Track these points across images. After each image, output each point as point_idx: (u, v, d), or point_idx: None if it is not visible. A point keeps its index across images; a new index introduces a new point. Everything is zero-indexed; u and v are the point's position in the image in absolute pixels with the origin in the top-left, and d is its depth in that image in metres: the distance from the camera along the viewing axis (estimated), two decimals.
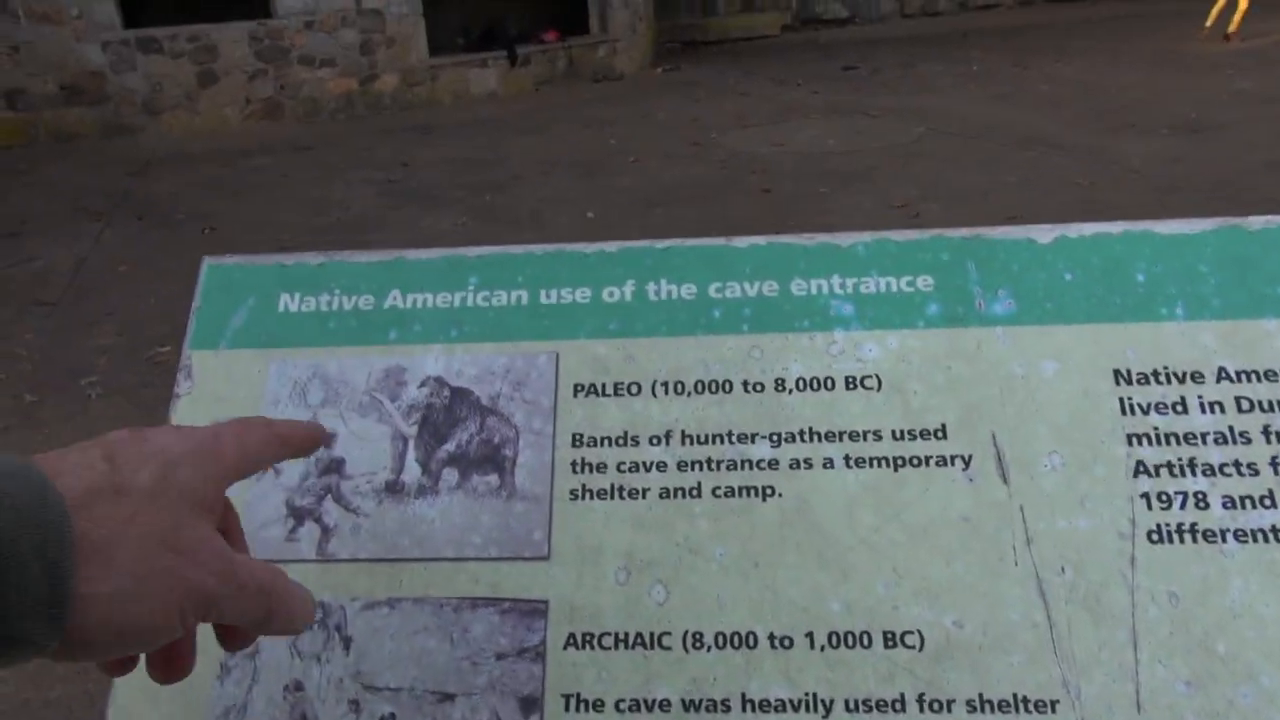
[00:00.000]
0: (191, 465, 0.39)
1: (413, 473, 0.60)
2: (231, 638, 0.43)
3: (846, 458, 0.59)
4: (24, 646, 0.33)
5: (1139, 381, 0.60)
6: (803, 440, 0.60)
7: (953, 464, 0.58)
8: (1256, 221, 0.64)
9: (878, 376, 0.61)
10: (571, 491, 0.59)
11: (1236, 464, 0.57)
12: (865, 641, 0.54)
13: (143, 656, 0.42)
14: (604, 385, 0.62)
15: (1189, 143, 5.44)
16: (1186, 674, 0.52)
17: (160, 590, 0.36)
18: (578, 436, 0.61)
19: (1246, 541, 0.55)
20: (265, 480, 0.60)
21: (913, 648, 0.54)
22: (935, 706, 0.53)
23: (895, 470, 0.58)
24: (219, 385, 0.63)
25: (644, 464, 0.60)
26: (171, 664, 0.42)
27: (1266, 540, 0.55)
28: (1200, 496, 0.56)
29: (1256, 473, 0.57)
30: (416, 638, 0.56)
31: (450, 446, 0.61)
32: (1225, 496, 0.56)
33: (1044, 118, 6.39)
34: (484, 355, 0.63)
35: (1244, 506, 0.56)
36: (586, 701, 0.54)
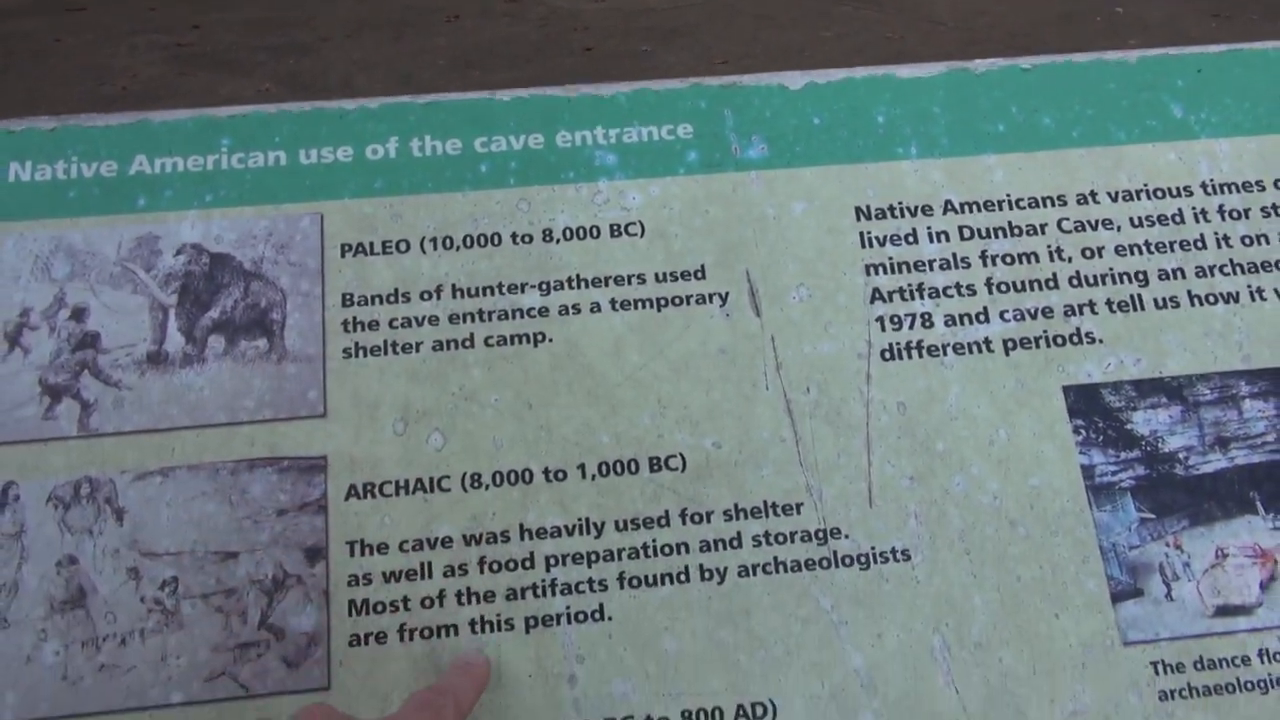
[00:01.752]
0: None
1: (176, 342, 0.59)
2: None
3: (613, 301, 0.62)
4: None
5: (877, 216, 0.65)
6: (571, 287, 0.62)
7: (711, 301, 0.62)
8: (980, 65, 0.69)
9: (641, 223, 0.64)
10: (345, 350, 0.60)
11: (958, 286, 0.63)
12: (633, 468, 0.59)
13: None
14: (372, 244, 0.62)
15: None
16: (910, 470, 0.60)
17: None
18: (348, 296, 0.61)
19: (964, 354, 0.62)
20: (13, 359, 0.58)
21: (676, 469, 0.59)
22: (696, 518, 0.58)
23: (659, 310, 0.62)
24: None
25: (416, 319, 0.61)
26: None
27: (979, 351, 0.62)
28: (926, 317, 0.63)
29: (974, 293, 0.63)
30: (194, 503, 0.56)
31: (214, 313, 0.59)
32: (947, 315, 0.63)
33: None
34: (243, 219, 0.62)
35: (963, 323, 0.63)
36: (370, 546, 0.56)
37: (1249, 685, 0.57)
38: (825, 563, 0.58)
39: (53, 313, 0.58)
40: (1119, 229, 0.65)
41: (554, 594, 0.56)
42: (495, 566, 0.56)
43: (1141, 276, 0.64)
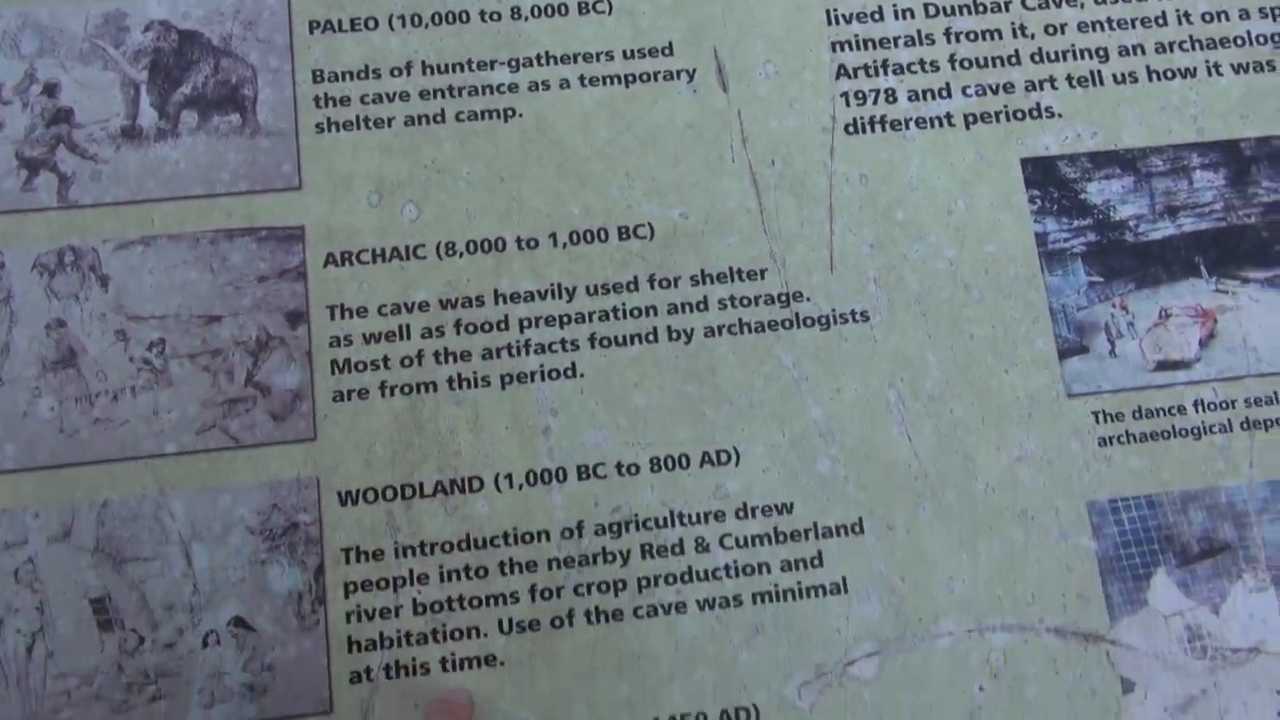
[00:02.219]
0: None
1: (149, 117, 0.59)
2: None
3: (581, 78, 0.63)
4: None
5: None
6: (540, 64, 0.63)
7: (678, 77, 0.63)
8: None
9: (609, 1, 0.64)
10: (317, 125, 0.61)
11: (921, 62, 0.64)
12: (603, 236, 0.60)
13: None
14: (340, 21, 0.62)
15: None
16: (871, 238, 0.62)
17: None
18: (318, 72, 0.61)
19: (925, 128, 0.63)
20: None
21: (644, 238, 0.61)
22: (664, 283, 0.60)
23: (626, 87, 0.63)
24: None
25: (387, 95, 0.61)
26: None
27: (941, 126, 0.64)
28: (890, 93, 0.64)
29: (937, 69, 0.64)
30: (176, 271, 0.58)
31: (185, 89, 0.60)
32: (910, 91, 0.64)
33: None
34: None
35: (925, 99, 0.64)
36: (350, 309, 0.58)
37: (1183, 432, 0.61)
38: (787, 324, 0.60)
39: (24, 88, 0.59)
40: (1082, 6, 0.66)
41: (528, 353, 0.59)
42: (471, 328, 0.59)
43: (1102, 53, 0.65)
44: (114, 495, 0.55)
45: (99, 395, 0.56)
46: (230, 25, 0.61)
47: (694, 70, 0.63)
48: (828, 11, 0.65)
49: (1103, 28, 0.66)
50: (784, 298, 0.60)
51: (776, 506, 0.58)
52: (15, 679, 0.54)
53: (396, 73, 0.62)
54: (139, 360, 0.56)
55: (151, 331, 0.57)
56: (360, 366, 0.58)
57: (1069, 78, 0.65)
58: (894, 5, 0.65)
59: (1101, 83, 0.65)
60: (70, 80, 0.59)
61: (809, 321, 0.60)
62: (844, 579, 0.58)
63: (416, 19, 0.62)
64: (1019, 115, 0.64)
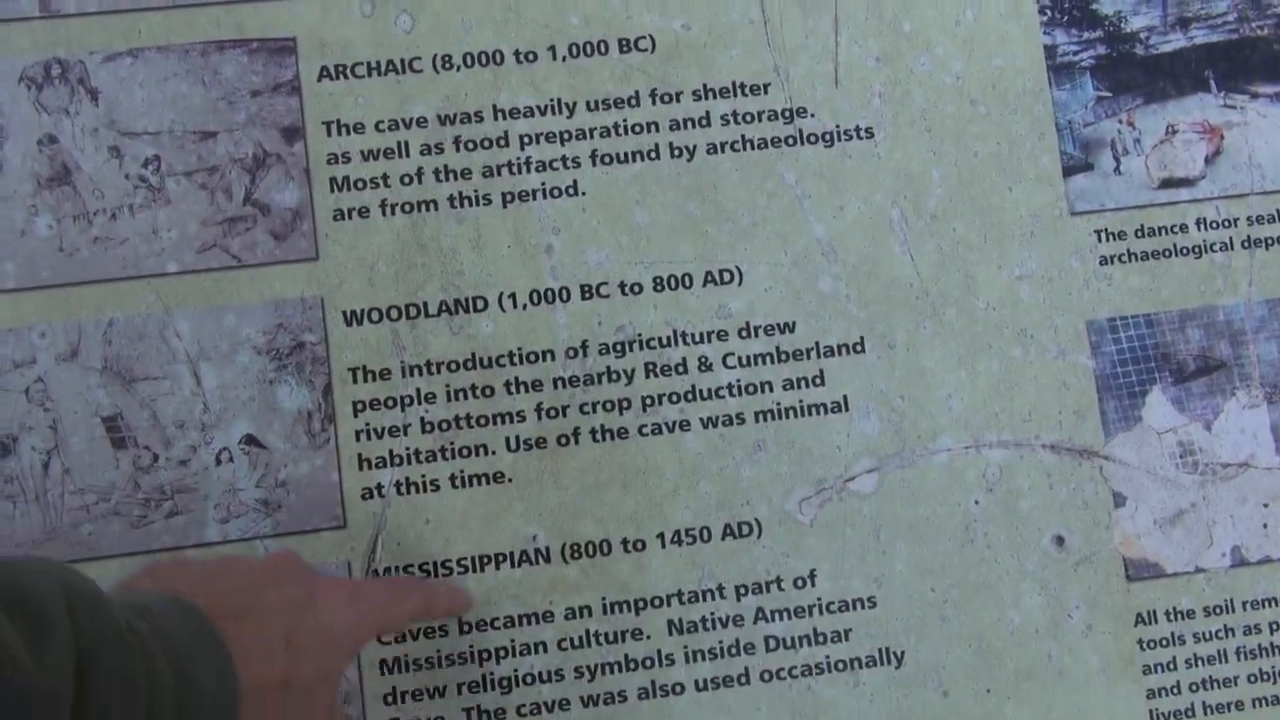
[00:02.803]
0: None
1: None
2: None
3: None
4: None
5: None
6: None
7: None
8: None
9: None
10: None
11: None
12: (603, 49, 0.59)
13: None
14: None
15: None
16: (877, 51, 0.60)
17: None
18: None
19: None
20: None
21: (645, 51, 0.59)
22: (665, 99, 0.59)
23: None
24: None
25: None
26: None
27: None
28: None
29: None
30: (167, 84, 0.56)
31: None
32: None
33: None
34: None
35: None
36: (347, 126, 0.57)
37: (1184, 250, 0.61)
38: (791, 140, 0.59)
39: None
40: None
41: (529, 171, 0.58)
42: (471, 145, 0.58)
43: None
44: (119, 314, 0.55)
45: (97, 213, 0.55)
46: None
47: None
48: None
49: None
50: (787, 114, 0.59)
51: (779, 325, 0.59)
52: (34, 494, 0.55)
53: None
54: (135, 177, 0.56)
55: (146, 148, 0.56)
56: (359, 184, 0.57)
57: None
58: None
59: None
60: None
61: (813, 138, 0.59)
62: (845, 397, 0.59)
63: None
64: None
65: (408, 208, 0.57)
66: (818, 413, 0.59)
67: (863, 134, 0.60)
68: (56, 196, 0.55)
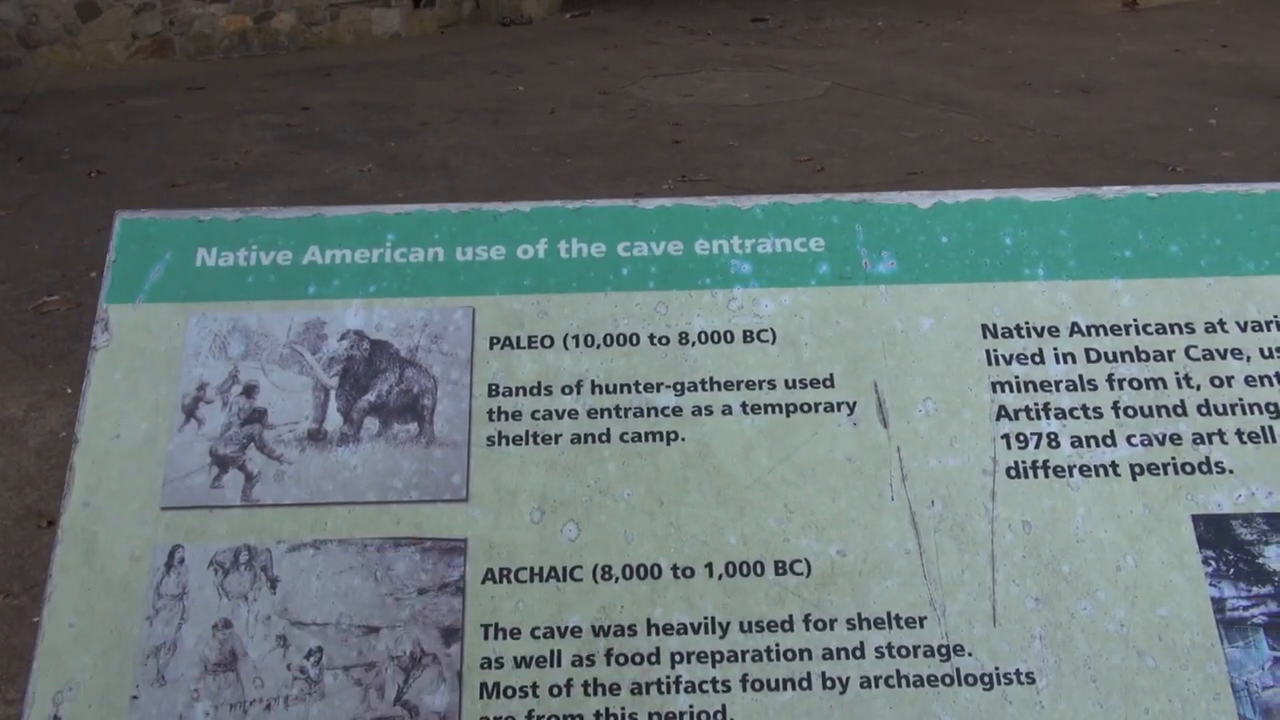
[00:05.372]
0: None
1: (334, 421, 0.63)
2: None
3: (744, 405, 0.64)
4: None
5: (1003, 335, 0.66)
6: (704, 389, 0.65)
7: (839, 410, 0.64)
8: (1108, 191, 0.71)
9: (773, 330, 0.66)
10: (488, 438, 0.63)
11: (1084, 408, 0.64)
12: (759, 570, 0.60)
13: None
14: (518, 338, 0.66)
15: (1079, 103, 5.66)
16: (1036, 591, 0.60)
17: None
18: (494, 386, 0.64)
19: (1090, 476, 0.63)
20: (188, 430, 0.62)
21: (801, 574, 0.60)
22: (820, 625, 0.59)
23: (788, 416, 0.64)
24: (138, 338, 0.64)
25: (556, 412, 0.64)
26: None
27: (1107, 475, 0.63)
28: (1052, 437, 0.64)
29: (1100, 415, 0.64)
30: (342, 576, 0.59)
31: (371, 396, 0.63)
32: (1074, 437, 0.63)
33: (945, 75, 6.54)
34: (402, 309, 0.66)
35: (1089, 445, 0.63)
36: (504, 630, 0.58)
37: None
38: (948, 679, 0.58)
39: (226, 388, 0.63)
40: (1249, 359, 0.66)
41: (678, 691, 0.57)
42: (622, 659, 0.58)
43: (1273, 408, 0.64)
44: None
45: (253, 703, 0.56)
46: (418, 338, 0.65)
47: (854, 403, 0.64)
48: (988, 352, 0.66)
49: (1272, 382, 0.65)
50: (944, 650, 0.58)
51: None
52: None
53: (567, 390, 0.64)
54: (296, 668, 0.57)
55: (312, 639, 0.58)
56: (509, 692, 0.57)
57: (1239, 432, 0.63)
58: (1055, 349, 0.66)
59: (1274, 439, 0.63)
60: (268, 383, 0.63)
61: (971, 679, 0.58)
62: None
63: (589, 339, 0.66)
64: (1188, 469, 0.63)
65: None
66: None
67: (1023, 679, 0.58)
68: (219, 683, 0.57)
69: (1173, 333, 0.66)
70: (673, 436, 0.63)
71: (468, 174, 4.58)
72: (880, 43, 8.03)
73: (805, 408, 0.64)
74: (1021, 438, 0.63)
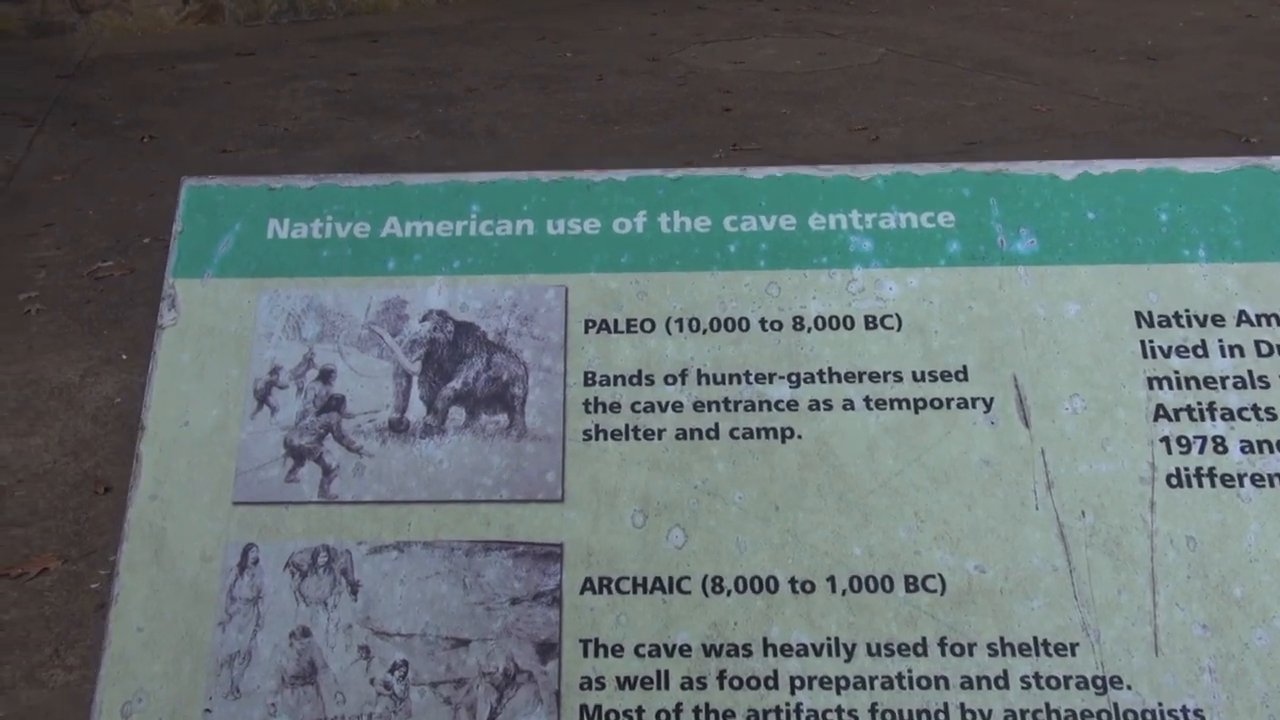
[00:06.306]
0: None
1: (418, 411, 0.57)
2: None
3: (867, 399, 0.58)
4: None
5: (1160, 324, 0.59)
6: (822, 381, 0.58)
7: (974, 406, 0.57)
8: (1278, 161, 0.63)
9: (898, 316, 0.60)
10: (585, 432, 0.57)
11: (1255, 408, 0.57)
12: (887, 585, 0.54)
13: None
14: (616, 321, 0.60)
15: (1145, 70, 5.44)
16: (1203, 617, 0.53)
17: None
18: (590, 374, 0.58)
19: (1264, 486, 0.55)
20: (261, 418, 0.57)
21: (934, 591, 0.54)
22: (957, 650, 0.53)
23: (916, 412, 0.57)
24: (206, 316, 0.59)
25: (659, 404, 0.58)
26: None
27: None
28: (1219, 441, 0.56)
29: (1275, 417, 0.57)
30: (428, 582, 0.54)
31: (456, 384, 0.58)
32: (1244, 441, 0.56)
33: (1004, 41, 6.33)
34: (489, 288, 0.60)
35: (1261, 451, 0.56)
36: (605, 646, 0.53)
37: None
38: (1105, 716, 0.51)
39: (301, 372, 0.58)
40: None
41: None
42: (736, 683, 0.52)
43: None
44: None
45: None
46: (507, 319, 0.59)
47: (991, 399, 0.57)
48: (1143, 343, 0.58)
49: None
50: (1100, 682, 0.52)
51: None
52: None
53: (670, 380, 0.58)
54: (380, 684, 0.52)
55: (396, 651, 0.53)
56: (612, 717, 0.52)
57: None
58: (1220, 340, 0.58)
59: None
60: (345, 367, 0.58)
61: (1130, 715, 0.51)
62: None
63: (694, 323, 0.59)
64: None
65: None
66: None
67: (1191, 717, 0.51)
68: (297, 697, 0.52)
69: None
70: (788, 433, 0.57)
71: (516, 140, 4.52)
72: (936, 7, 7.81)
73: (936, 403, 0.57)
74: (1183, 441, 0.56)
